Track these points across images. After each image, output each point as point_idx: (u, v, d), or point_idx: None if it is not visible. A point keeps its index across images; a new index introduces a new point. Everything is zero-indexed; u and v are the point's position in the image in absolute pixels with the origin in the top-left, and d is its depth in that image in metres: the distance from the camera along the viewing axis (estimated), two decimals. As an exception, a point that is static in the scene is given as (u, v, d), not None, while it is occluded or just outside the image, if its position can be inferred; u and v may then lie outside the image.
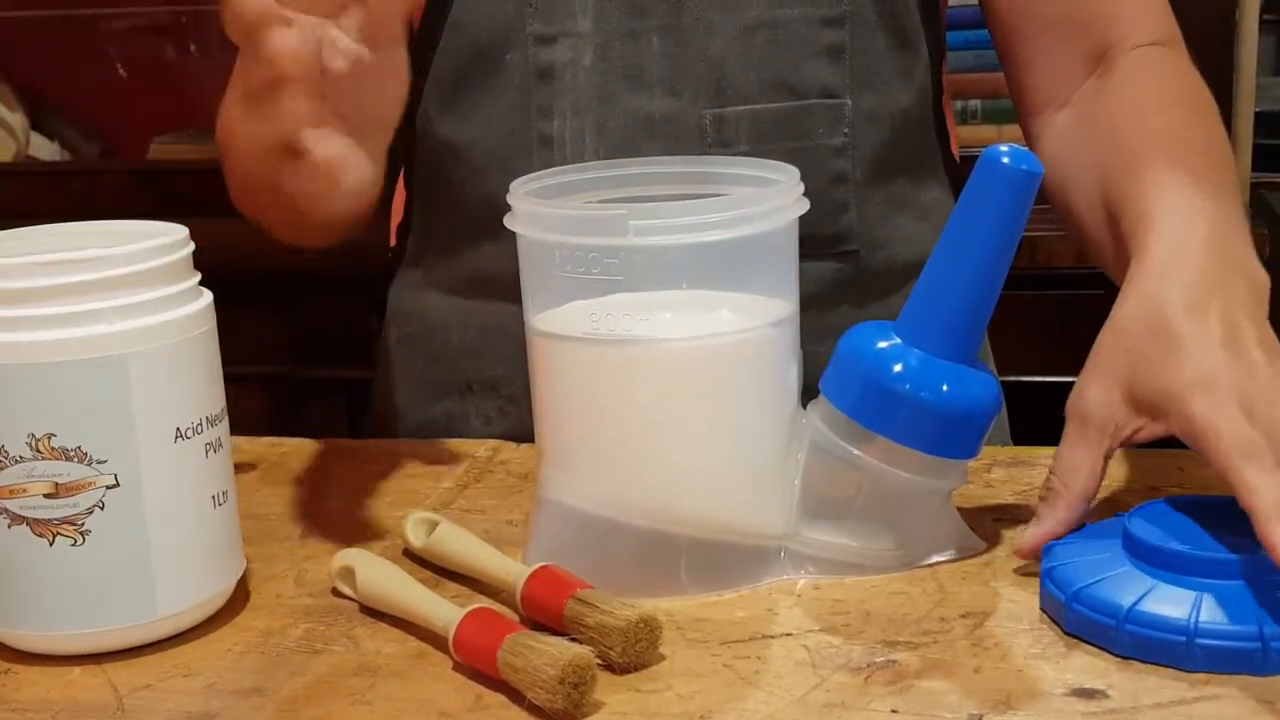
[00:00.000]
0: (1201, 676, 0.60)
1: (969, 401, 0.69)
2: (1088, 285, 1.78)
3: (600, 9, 0.89)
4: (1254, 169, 1.84)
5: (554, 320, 0.70)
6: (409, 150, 0.98)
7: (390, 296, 1.04)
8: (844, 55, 0.90)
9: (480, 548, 0.73)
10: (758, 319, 0.70)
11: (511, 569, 0.70)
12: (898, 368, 0.68)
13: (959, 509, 0.74)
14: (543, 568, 0.68)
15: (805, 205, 0.71)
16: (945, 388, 0.68)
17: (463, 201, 0.94)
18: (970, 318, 0.69)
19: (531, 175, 0.74)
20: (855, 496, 0.71)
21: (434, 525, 0.75)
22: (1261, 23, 1.81)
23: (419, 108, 0.95)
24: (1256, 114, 1.82)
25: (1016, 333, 1.76)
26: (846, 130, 0.91)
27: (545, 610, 0.66)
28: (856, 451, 0.70)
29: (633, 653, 0.63)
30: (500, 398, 0.96)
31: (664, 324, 0.68)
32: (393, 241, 1.03)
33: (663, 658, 0.64)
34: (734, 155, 0.87)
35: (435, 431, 0.98)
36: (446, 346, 0.98)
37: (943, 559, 0.72)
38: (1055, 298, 1.79)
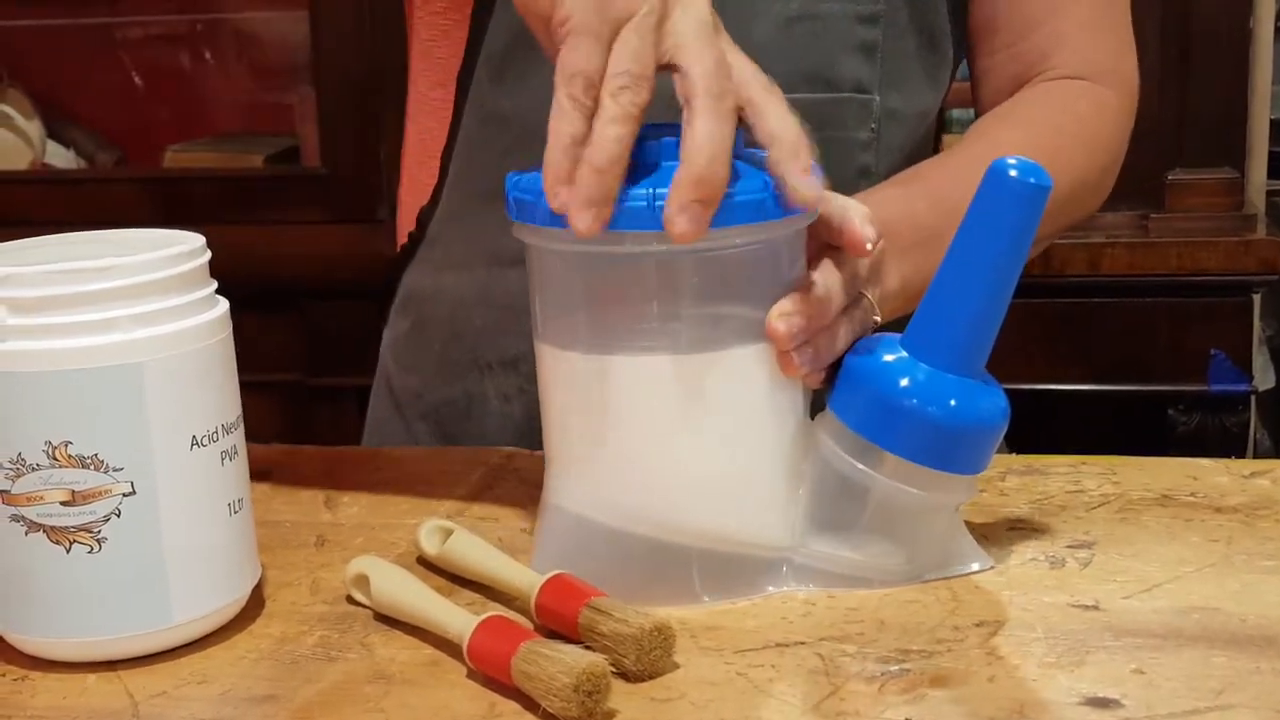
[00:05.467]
0: (1217, 685, 0.60)
1: (977, 416, 0.68)
2: (1098, 294, 1.78)
3: None
4: (1269, 176, 1.84)
5: (561, 329, 0.70)
6: (454, 126, 0.98)
7: (404, 282, 1.05)
8: (876, 53, 0.93)
9: (494, 555, 0.73)
10: (765, 329, 0.70)
11: (525, 577, 0.70)
12: (905, 382, 0.68)
13: (973, 517, 0.73)
14: (556, 576, 0.68)
15: (815, 214, 0.70)
16: (953, 402, 0.67)
17: (502, 171, 0.94)
18: (978, 332, 0.68)
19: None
20: (862, 511, 0.70)
21: (448, 533, 0.75)
22: (1277, 30, 1.81)
23: (471, 82, 0.95)
24: (1272, 121, 1.81)
25: (1025, 340, 1.76)
26: (874, 126, 0.93)
27: (559, 618, 0.66)
28: (863, 467, 0.69)
29: (647, 661, 0.63)
30: (520, 375, 0.96)
31: (670, 334, 0.68)
32: (412, 226, 1.04)
33: (677, 666, 0.64)
34: None
35: (454, 412, 0.98)
36: (468, 326, 0.98)
37: (949, 575, 0.72)
38: (1065, 306, 1.79)
